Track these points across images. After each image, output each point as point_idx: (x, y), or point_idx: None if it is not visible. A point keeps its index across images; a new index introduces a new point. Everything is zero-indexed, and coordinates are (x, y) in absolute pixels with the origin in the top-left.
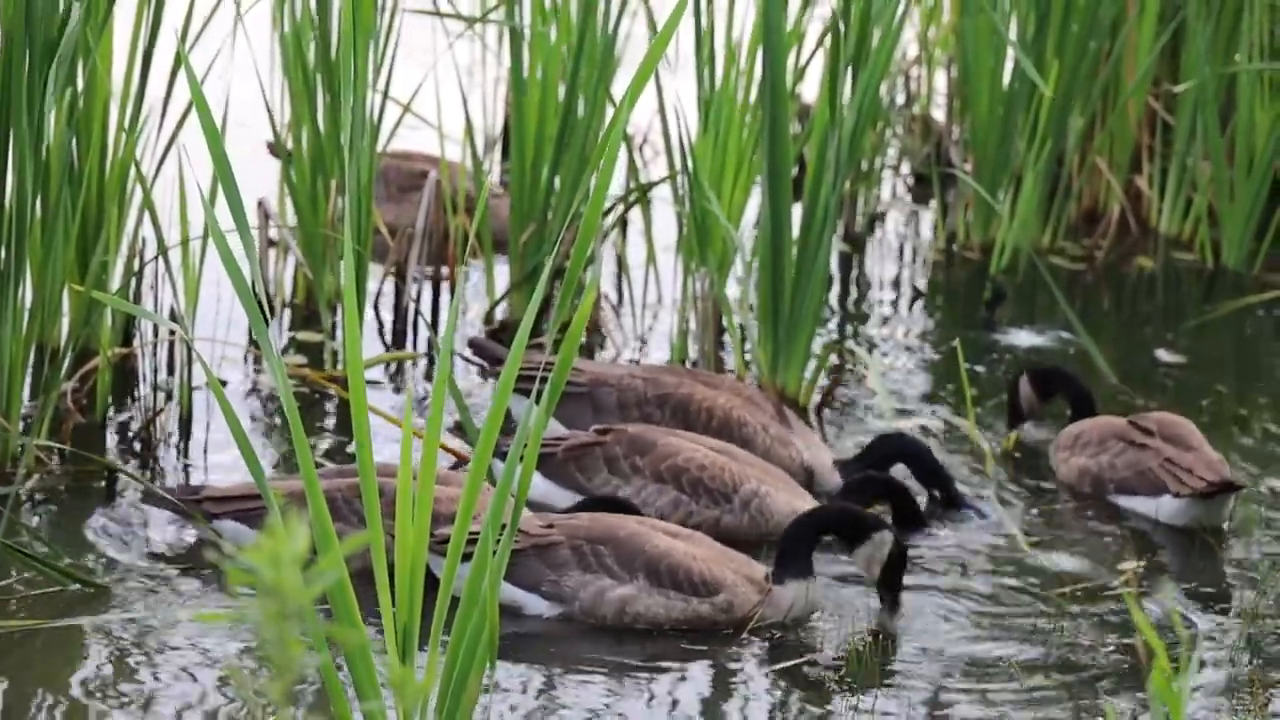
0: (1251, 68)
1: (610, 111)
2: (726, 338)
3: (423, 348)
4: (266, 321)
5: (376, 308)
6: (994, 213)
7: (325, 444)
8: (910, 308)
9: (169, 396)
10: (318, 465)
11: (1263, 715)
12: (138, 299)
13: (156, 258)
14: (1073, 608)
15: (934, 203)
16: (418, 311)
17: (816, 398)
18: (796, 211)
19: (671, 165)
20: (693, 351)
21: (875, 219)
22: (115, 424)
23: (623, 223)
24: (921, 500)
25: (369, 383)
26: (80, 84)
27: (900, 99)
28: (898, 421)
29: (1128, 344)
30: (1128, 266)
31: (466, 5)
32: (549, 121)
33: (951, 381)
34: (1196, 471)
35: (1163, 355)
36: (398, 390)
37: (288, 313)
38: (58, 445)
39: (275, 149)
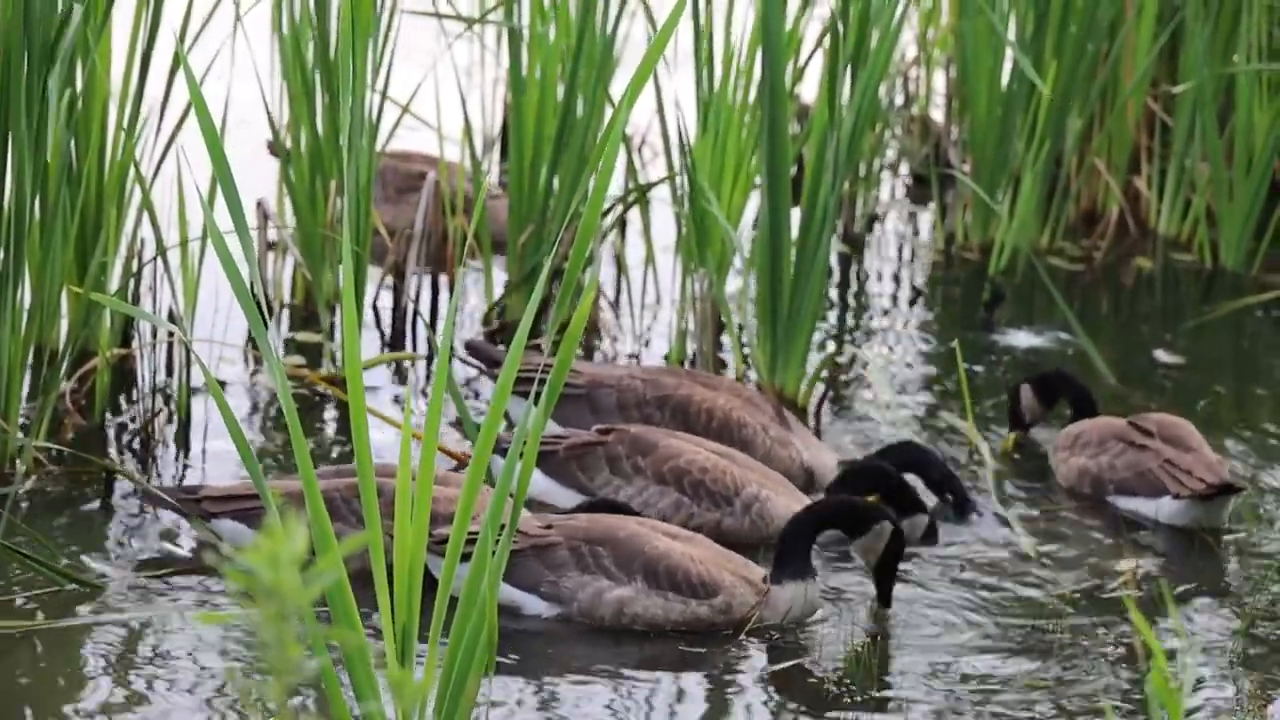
0: (1250, 68)
1: (609, 112)
2: (725, 338)
3: (422, 349)
4: (265, 322)
5: (375, 309)
6: (993, 213)
7: (324, 445)
8: (909, 308)
9: (168, 397)
10: (316, 466)
11: (1262, 715)
12: (136, 300)
13: (155, 259)
14: (1072, 608)
15: (933, 203)
16: (416, 312)
17: (815, 398)
18: (795, 212)
19: (670, 166)
20: (691, 352)
21: (874, 220)
22: (114, 425)
23: (621, 223)
24: (931, 503)
25: (367, 384)
26: (79, 85)
27: (899, 100)
28: (898, 421)
29: (1126, 345)
30: (1126, 267)
31: (465, 6)
32: (548, 122)
33: (950, 382)
34: (1196, 473)
35: (1161, 356)
36: (398, 394)
37: (286, 313)
38: (56, 446)
39: (275, 148)
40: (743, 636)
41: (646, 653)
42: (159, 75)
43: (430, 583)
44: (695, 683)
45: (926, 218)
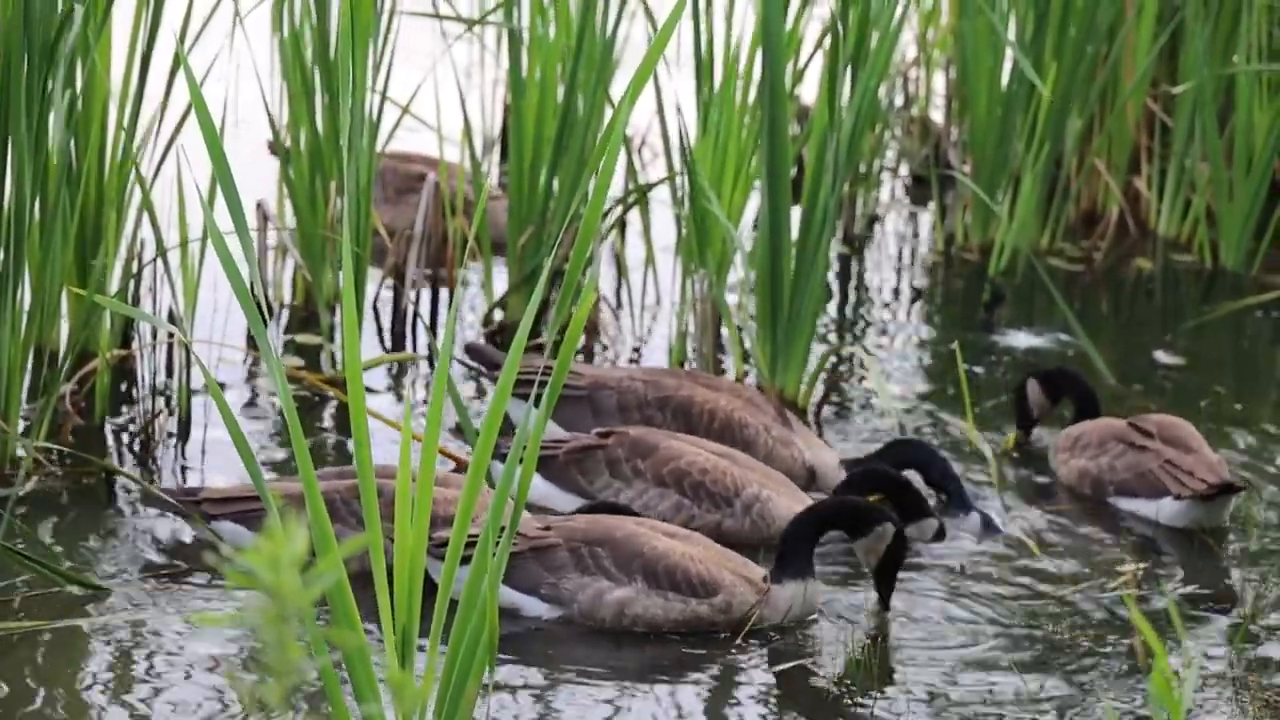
0: (1250, 69)
1: (609, 113)
2: (725, 339)
3: (422, 350)
4: (265, 323)
5: (375, 310)
6: (993, 214)
7: (324, 446)
8: (909, 309)
9: (168, 399)
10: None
11: (1263, 715)
12: (136, 301)
13: (155, 260)
14: (1072, 609)
15: (933, 204)
16: (416, 313)
17: (815, 399)
18: (795, 213)
19: (670, 166)
20: (691, 353)
21: (874, 220)
22: (114, 426)
23: (621, 224)
24: (931, 502)
25: (367, 385)
26: (79, 85)
27: (899, 101)
28: (898, 422)
29: (1126, 345)
30: (1126, 268)
31: (465, 7)
32: (548, 123)
33: (950, 383)
34: (1197, 474)
35: (1161, 356)
36: (398, 394)
37: (286, 315)
38: (57, 447)
39: (275, 148)
40: (743, 638)
41: (647, 654)
42: (159, 76)
43: (430, 585)
44: (696, 684)
45: (926, 218)
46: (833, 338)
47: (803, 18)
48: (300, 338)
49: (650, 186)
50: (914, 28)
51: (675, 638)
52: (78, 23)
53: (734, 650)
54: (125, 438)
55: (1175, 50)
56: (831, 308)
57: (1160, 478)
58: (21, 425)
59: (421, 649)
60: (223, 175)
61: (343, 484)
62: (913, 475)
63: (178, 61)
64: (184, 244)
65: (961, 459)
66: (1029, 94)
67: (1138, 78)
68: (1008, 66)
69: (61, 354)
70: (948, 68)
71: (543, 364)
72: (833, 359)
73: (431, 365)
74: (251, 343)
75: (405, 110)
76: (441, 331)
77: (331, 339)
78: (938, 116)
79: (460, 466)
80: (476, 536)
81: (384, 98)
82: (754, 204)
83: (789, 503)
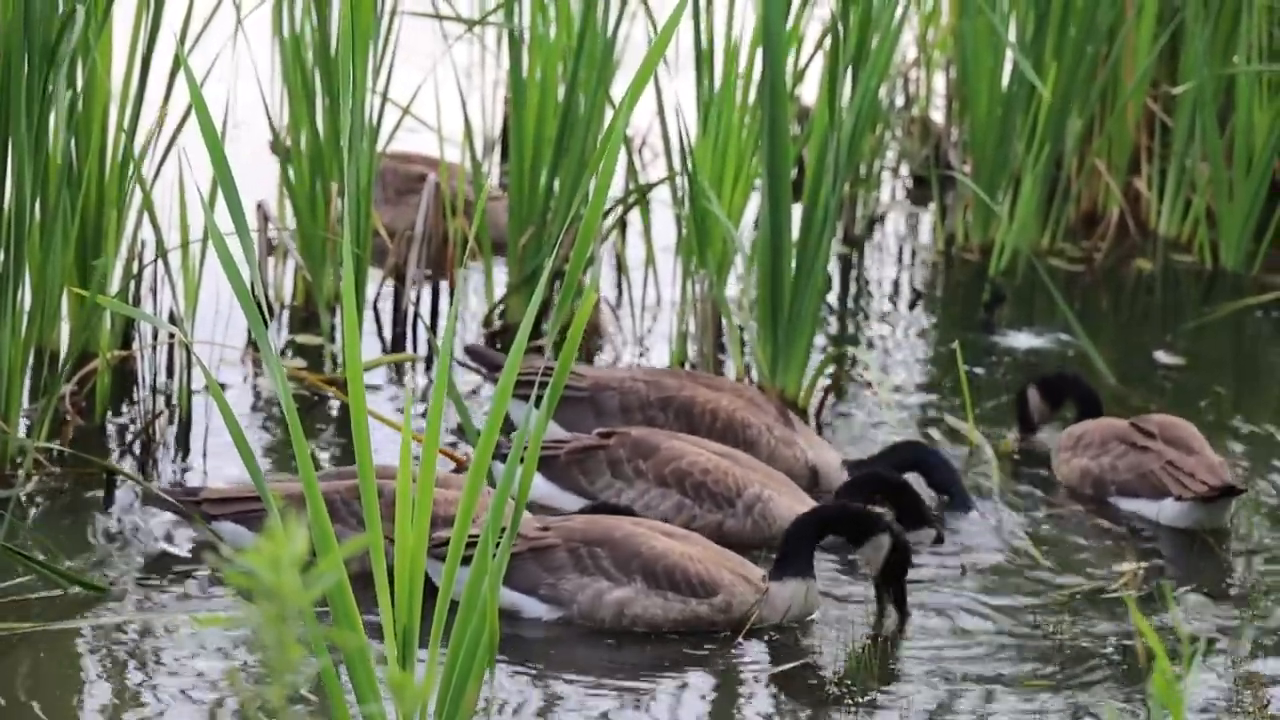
0: (1250, 69)
1: (610, 113)
2: (726, 339)
3: (422, 350)
4: (266, 324)
5: (375, 310)
6: (993, 215)
7: (324, 446)
8: (909, 310)
9: (168, 399)
10: (316, 468)
11: (1263, 715)
12: (137, 302)
13: (156, 260)
14: (1073, 609)
15: (933, 205)
16: (417, 314)
17: (816, 399)
18: (796, 214)
19: (671, 167)
20: (692, 353)
21: (874, 221)
22: (115, 426)
23: (622, 224)
24: (932, 504)
25: (368, 386)
26: (80, 86)
27: (899, 101)
28: (898, 422)
29: (1127, 346)
30: (1127, 268)
31: (466, 7)
32: (548, 123)
33: (951, 383)
34: (1198, 475)
35: (1162, 357)
36: (398, 395)
37: (287, 315)
38: (57, 448)
39: (275, 149)
40: (742, 639)
41: (647, 654)
42: (159, 77)
43: (430, 586)
44: (696, 684)
45: (927, 219)
46: (833, 339)
47: (803, 18)
48: (301, 338)
49: (651, 187)
50: (914, 28)
51: (675, 638)
52: (78, 24)
53: (734, 650)
54: (126, 438)
55: (1175, 50)
56: (832, 308)
57: (1162, 479)
58: (22, 425)
59: (422, 649)
60: (223, 176)
61: (343, 484)
62: (914, 477)
63: (178, 63)
64: (185, 245)
65: (961, 459)
66: (1029, 94)
67: (1138, 78)
68: (1008, 67)
69: (62, 354)
70: (948, 68)
71: (543, 365)
72: (833, 359)
73: (432, 366)
74: (252, 343)
75: (406, 111)
76: (442, 332)
77: (332, 339)
78: (938, 117)
79: (460, 467)
80: (477, 537)
81: (384, 98)
82: (754, 204)
83: (791, 503)
